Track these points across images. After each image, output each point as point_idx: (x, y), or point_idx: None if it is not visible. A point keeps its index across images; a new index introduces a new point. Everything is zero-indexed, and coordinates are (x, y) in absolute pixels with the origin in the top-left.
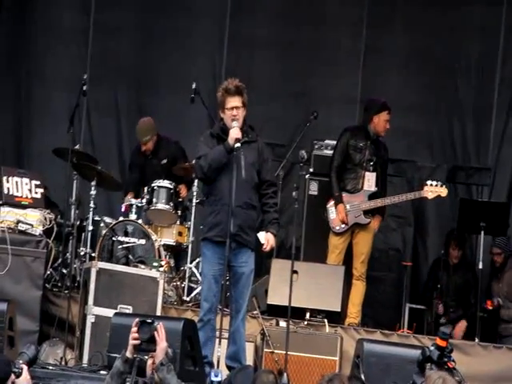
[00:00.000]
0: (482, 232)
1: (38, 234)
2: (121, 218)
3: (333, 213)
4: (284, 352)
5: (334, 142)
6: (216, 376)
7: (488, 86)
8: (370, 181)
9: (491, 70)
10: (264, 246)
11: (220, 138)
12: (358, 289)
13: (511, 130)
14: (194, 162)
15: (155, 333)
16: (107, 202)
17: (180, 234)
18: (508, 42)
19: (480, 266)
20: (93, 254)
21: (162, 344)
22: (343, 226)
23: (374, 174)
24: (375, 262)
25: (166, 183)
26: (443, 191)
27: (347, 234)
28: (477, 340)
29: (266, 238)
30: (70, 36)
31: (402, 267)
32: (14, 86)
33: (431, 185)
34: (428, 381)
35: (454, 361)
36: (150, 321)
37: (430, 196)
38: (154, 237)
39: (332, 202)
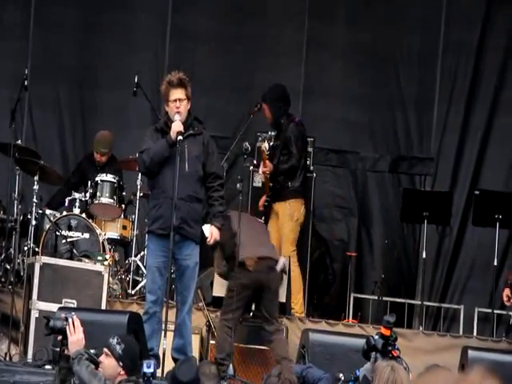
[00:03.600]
0: (426, 221)
1: None
2: (64, 213)
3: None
4: None
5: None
6: (148, 367)
7: (429, 76)
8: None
9: (432, 61)
10: (208, 239)
11: (164, 131)
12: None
13: (453, 120)
14: (137, 156)
15: (66, 326)
16: (50, 196)
17: (124, 227)
18: (448, 33)
19: (423, 256)
20: (36, 249)
21: (72, 337)
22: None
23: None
24: None
25: (109, 177)
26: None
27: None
28: (421, 328)
29: (210, 231)
30: (10, 31)
31: (347, 257)
32: None
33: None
34: (377, 371)
35: (398, 349)
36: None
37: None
38: (98, 231)
39: None
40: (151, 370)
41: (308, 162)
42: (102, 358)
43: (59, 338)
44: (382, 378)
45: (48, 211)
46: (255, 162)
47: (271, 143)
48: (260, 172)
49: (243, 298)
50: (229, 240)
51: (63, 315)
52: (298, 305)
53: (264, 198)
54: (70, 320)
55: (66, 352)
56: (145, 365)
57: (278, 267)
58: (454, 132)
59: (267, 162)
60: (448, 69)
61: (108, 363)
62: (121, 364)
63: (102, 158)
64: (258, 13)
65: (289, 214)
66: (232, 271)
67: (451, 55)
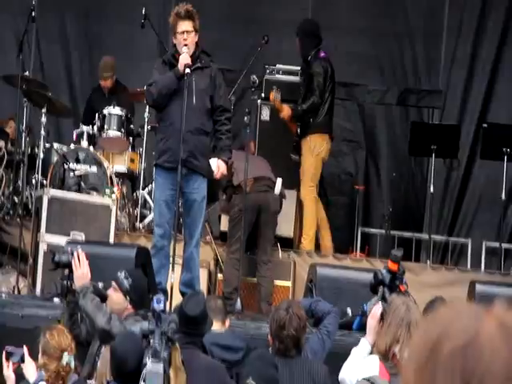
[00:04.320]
0: (433, 155)
1: None
2: (72, 145)
3: None
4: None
5: (286, 67)
6: (158, 303)
7: (437, 9)
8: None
9: None
10: (215, 173)
11: (172, 64)
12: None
13: (461, 53)
14: (144, 88)
15: (72, 261)
16: (57, 129)
17: (132, 160)
18: None
19: (431, 189)
20: (44, 182)
21: (77, 271)
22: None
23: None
24: (328, 187)
25: (117, 110)
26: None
27: None
28: (428, 262)
29: (217, 165)
30: None
31: (355, 191)
32: None
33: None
34: (392, 307)
35: (406, 283)
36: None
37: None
38: (105, 164)
39: None
40: (161, 305)
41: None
42: (110, 292)
43: (66, 271)
44: (396, 316)
45: (56, 144)
46: (263, 94)
47: (298, 78)
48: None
49: (244, 224)
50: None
51: (69, 249)
52: (308, 240)
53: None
54: (75, 254)
55: (73, 286)
56: (155, 300)
57: (277, 189)
58: (462, 65)
59: (283, 105)
60: (456, 2)
61: (116, 297)
62: (128, 298)
63: (107, 82)
64: None
65: (309, 149)
66: (230, 200)
67: None
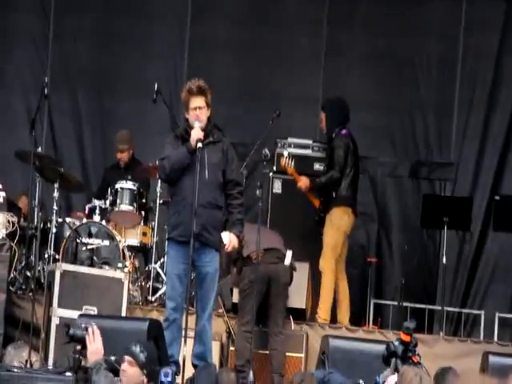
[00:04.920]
0: (446, 227)
1: (0, 237)
2: (84, 220)
3: None
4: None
5: (297, 140)
6: (166, 376)
7: (449, 82)
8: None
9: (452, 66)
10: (226, 246)
11: (184, 138)
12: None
13: (473, 125)
14: (157, 162)
15: (86, 336)
16: (69, 204)
17: (144, 234)
18: (468, 38)
19: (444, 261)
20: (57, 256)
21: (91, 347)
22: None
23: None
24: None
25: (129, 184)
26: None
27: None
28: (441, 334)
29: (229, 239)
30: (29, 39)
31: (367, 263)
32: None
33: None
34: (404, 377)
35: (419, 355)
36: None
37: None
38: (118, 238)
39: None
40: (169, 379)
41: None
42: (126, 367)
43: (78, 347)
44: None
45: (68, 219)
46: (274, 168)
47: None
48: (298, 186)
49: (254, 296)
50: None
51: (83, 324)
52: (323, 311)
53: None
54: (89, 329)
55: (84, 362)
56: (162, 374)
57: (287, 260)
58: (474, 137)
59: (301, 176)
60: (467, 74)
61: (133, 372)
62: (144, 372)
63: (123, 155)
64: (276, 20)
65: (330, 222)
66: (240, 273)
67: (471, 60)
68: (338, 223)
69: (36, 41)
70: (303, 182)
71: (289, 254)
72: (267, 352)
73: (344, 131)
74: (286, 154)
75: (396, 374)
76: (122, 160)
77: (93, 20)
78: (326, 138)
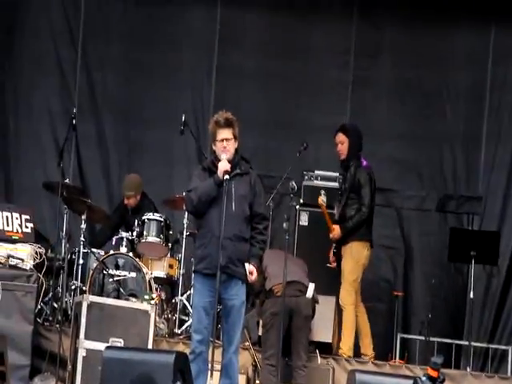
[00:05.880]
0: (473, 261)
1: (28, 268)
2: (111, 251)
3: None
4: None
5: (324, 173)
6: None
7: (476, 113)
8: (336, 210)
9: (480, 98)
10: (249, 277)
11: (211, 170)
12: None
13: (501, 157)
14: (184, 194)
15: None
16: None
17: (171, 266)
18: (496, 69)
19: (471, 295)
20: (84, 288)
21: None
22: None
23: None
24: (366, 293)
25: (156, 216)
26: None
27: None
28: (469, 369)
29: (250, 270)
30: (57, 68)
31: (393, 297)
32: (1, 120)
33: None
34: None
35: None
36: None
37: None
38: (144, 269)
39: None
40: None
41: None
42: None
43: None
44: None
45: (95, 250)
46: (301, 200)
47: (339, 184)
48: (331, 238)
49: (277, 329)
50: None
51: None
52: (347, 346)
53: (331, 250)
54: None
55: None
56: None
57: (309, 293)
58: (502, 170)
59: (334, 226)
60: (496, 105)
61: None
62: None
63: (130, 201)
64: (303, 51)
65: (350, 256)
66: (263, 305)
67: (499, 92)
68: (357, 257)
69: (64, 70)
70: (336, 232)
71: (311, 286)
72: None
73: (366, 163)
74: (322, 192)
75: None
76: (129, 205)
77: (120, 49)
78: (341, 162)
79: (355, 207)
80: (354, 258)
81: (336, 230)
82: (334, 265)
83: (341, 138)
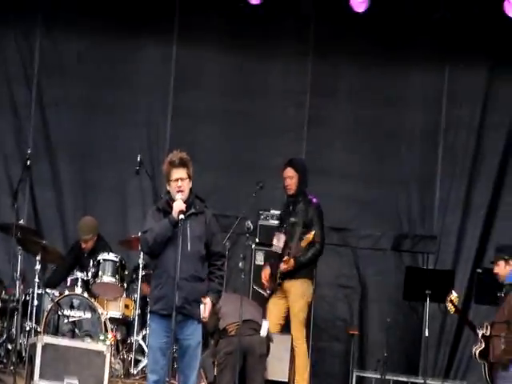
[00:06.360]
0: (428, 299)
1: None
2: (66, 292)
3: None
4: None
5: (279, 212)
6: None
7: (431, 154)
8: (278, 241)
9: (434, 138)
10: (202, 313)
11: (166, 211)
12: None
13: (455, 197)
14: (139, 235)
15: None
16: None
17: (126, 306)
18: (450, 110)
19: (426, 333)
20: (38, 329)
21: None
22: (268, 291)
23: (283, 236)
24: (322, 333)
25: (111, 256)
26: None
27: (279, 296)
28: None
29: (204, 304)
30: (11, 109)
31: (349, 336)
32: None
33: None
34: None
35: None
36: None
37: (303, 244)
38: (100, 310)
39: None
40: None
41: None
42: None
43: None
44: None
45: (49, 291)
46: (257, 240)
47: (291, 220)
48: (281, 268)
49: (232, 368)
50: (211, 316)
51: None
52: (305, 380)
53: (268, 272)
54: None
55: None
56: None
57: (263, 331)
58: (456, 209)
59: (286, 258)
60: (450, 146)
61: None
62: None
63: (87, 244)
64: (259, 91)
65: (300, 294)
66: (217, 345)
67: (453, 132)
68: (307, 295)
69: (18, 111)
70: (290, 264)
71: (265, 324)
72: None
73: (315, 199)
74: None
75: None
76: (86, 248)
77: (75, 89)
78: (288, 197)
79: (314, 246)
80: (304, 296)
81: (290, 262)
82: (268, 292)
83: (289, 172)
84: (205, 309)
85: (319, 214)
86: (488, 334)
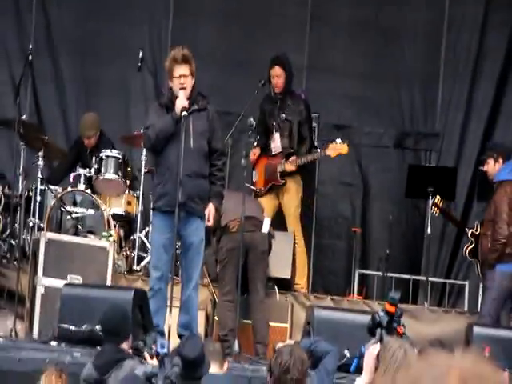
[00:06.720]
0: (431, 197)
1: None
2: (69, 188)
3: (255, 175)
4: None
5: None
6: (162, 348)
7: (434, 52)
8: (274, 141)
9: (437, 36)
10: (207, 219)
11: (169, 107)
12: (297, 253)
13: (458, 95)
14: (142, 131)
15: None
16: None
17: (129, 203)
18: (453, 9)
19: (428, 231)
20: (41, 225)
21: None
22: (262, 188)
23: (278, 135)
24: (324, 230)
25: (114, 153)
26: (343, 148)
27: (272, 195)
28: (426, 304)
29: (209, 211)
30: (12, 6)
31: (351, 234)
32: None
33: (335, 143)
34: (387, 349)
35: (404, 325)
36: None
37: (333, 154)
38: (103, 206)
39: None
40: (164, 350)
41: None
42: None
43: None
44: (393, 361)
45: (52, 187)
46: (258, 137)
47: (282, 116)
48: (286, 168)
49: (234, 265)
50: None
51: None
52: (303, 280)
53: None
54: None
55: None
56: (159, 345)
57: (264, 228)
58: (459, 108)
59: (294, 158)
60: (453, 44)
61: None
62: None
63: (90, 140)
64: None
65: (296, 191)
66: (219, 242)
67: (456, 31)
68: (300, 191)
69: (20, 7)
70: (294, 162)
71: (266, 221)
72: (250, 321)
73: (303, 94)
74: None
75: (379, 344)
76: (89, 145)
77: None
78: (275, 95)
79: (306, 142)
80: (299, 193)
81: (294, 161)
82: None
83: (278, 71)
84: (209, 215)
85: (309, 109)
86: (477, 232)
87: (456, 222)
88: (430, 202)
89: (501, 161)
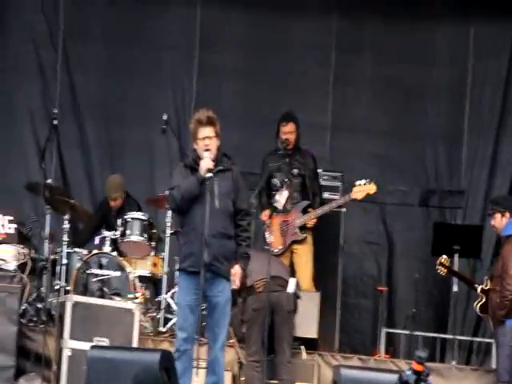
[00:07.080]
0: (456, 255)
1: (12, 269)
2: (95, 251)
3: (270, 236)
4: None
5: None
6: None
7: (458, 109)
8: (281, 197)
9: (460, 93)
10: (232, 280)
11: (193, 168)
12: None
13: (482, 152)
14: (166, 192)
15: None
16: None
17: (155, 265)
18: (476, 65)
19: (455, 289)
20: (68, 288)
21: None
22: (280, 247)
23: (286, 192)
24: (350, 289)
25: (139, 215)
26: (371, 188)
27: (287, 253)
28: (453, 363)
29: (235, 272)
30: (38, 69)
31: (377, 292)
32: None
33: (359, 185)
34: None
35: None
36: None
37: (359, 196)
38: (128, 269)
39: (267, 228)
40: None
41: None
42: None
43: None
44: None
45: (78, 250)
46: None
47: (295, 171)
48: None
49: (260, 325)
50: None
51: None
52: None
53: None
54: None
55: None
56: None
57: (290, 288)
58: (483, 164)
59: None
60: (477, 101)
61: None
62: None
63: (116, 202)
64: (284, 48)
65: (309, 249)
66: (245, 302)
67: (480, 87)
68: (312, 245)
69: (45, 72)
70: (314, 216)
71: (292, 281)
72: (276, 382)
73: (310, 150)
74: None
75: None
76: (115, 206)
77: (101, 49)
78: (286, 151)
79: (318, 194)
80: (312, 250)
81: (314, 215)
82: (280, 248)
83: (291, 128)
84: (236, 278)
85: (315, 164)
86: (487, 287)
87: (465, 280)
88: (438, 264)
89: (508, 215)
